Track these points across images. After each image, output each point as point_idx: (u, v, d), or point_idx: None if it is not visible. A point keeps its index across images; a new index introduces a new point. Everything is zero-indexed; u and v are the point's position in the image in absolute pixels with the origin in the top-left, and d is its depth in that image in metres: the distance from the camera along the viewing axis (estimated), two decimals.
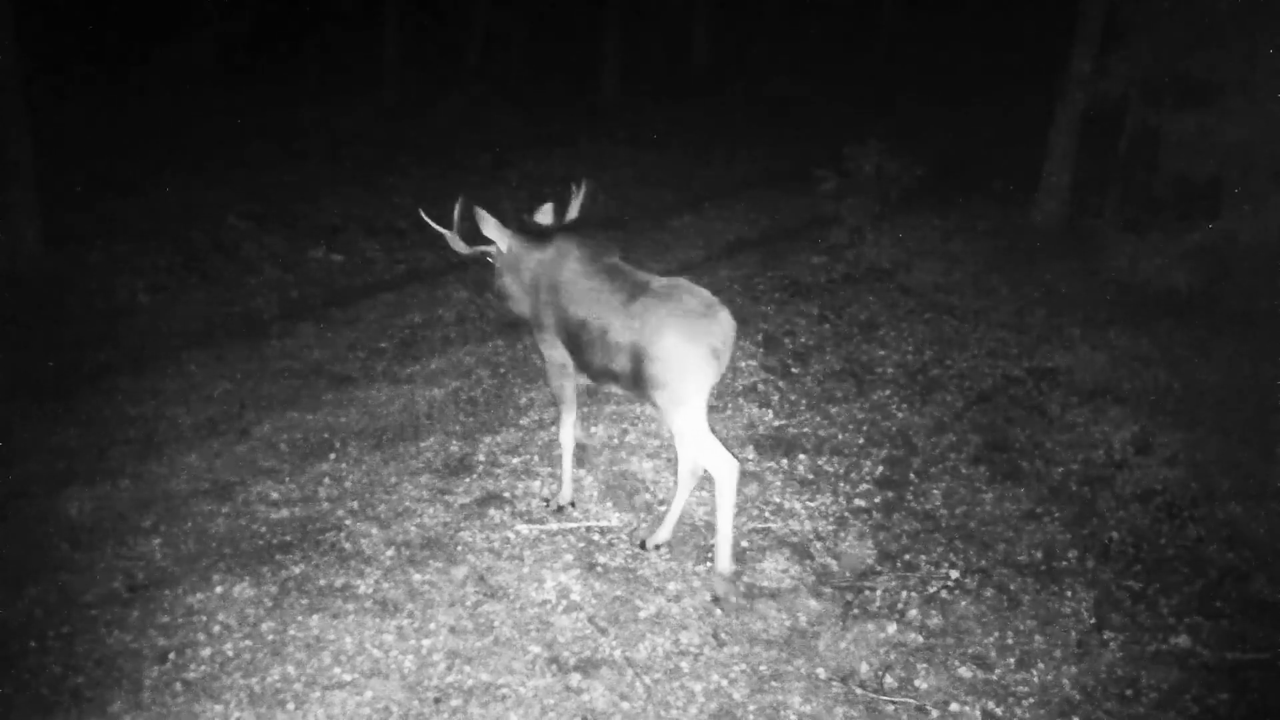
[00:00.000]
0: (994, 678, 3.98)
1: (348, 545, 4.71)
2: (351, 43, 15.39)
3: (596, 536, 4.84)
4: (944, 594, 4.45)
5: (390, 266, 8.75)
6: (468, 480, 5.29)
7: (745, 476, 5.38)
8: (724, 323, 4.36)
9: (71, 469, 5.33)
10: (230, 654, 4.01)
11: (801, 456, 5.59)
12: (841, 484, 5.35)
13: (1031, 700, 3.86)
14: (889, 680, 3.95)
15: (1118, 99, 8.37)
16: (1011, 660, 4.07)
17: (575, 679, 3.90)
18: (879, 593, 4.47)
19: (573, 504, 5.06)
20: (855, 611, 4.34)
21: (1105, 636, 4.19)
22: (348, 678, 3.89)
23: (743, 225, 10.31)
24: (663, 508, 4.94)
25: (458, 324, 7.48)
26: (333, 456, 5.52)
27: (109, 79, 13.23)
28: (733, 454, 4.46)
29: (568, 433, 5.01)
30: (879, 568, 4.65)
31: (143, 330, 7.22)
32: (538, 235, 4.82)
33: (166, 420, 5.90)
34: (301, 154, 11.95)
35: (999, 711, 3.80)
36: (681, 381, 4.28)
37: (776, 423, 5.99)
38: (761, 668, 4.00)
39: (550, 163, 11.82)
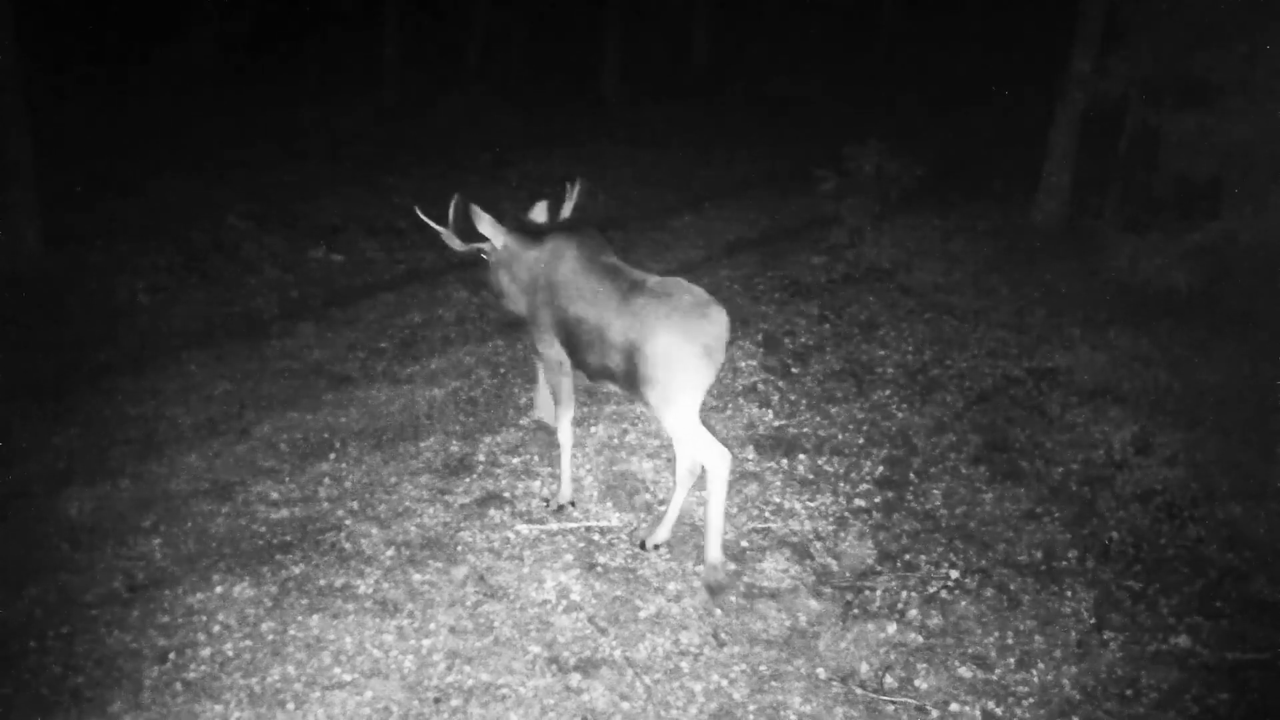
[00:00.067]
0: (994, 678, 3.98)
1: (348, 545, 4.71)
2: (351, 43, 15.38)
3: (596, 536, 4.84)
4: (944, 594, 4.46)
5: (390, 266, 8.75)
6: (468, 480, 5.29)
7: (745, 476, 5.38)
8: (718, 321, 4.36)
9: (71, 469, 5.33)
10: (230, 654, 4.01)
11: (801, 456, 5.60)
12: (841, 484, 5.35)
13: (1031, 700, 3.86)
14: (889, 680, 3.95)
15: (1118, 99, 8.37)
16: (1011, 660, 4.07)
17: (575, 679, 3.90)
18: (879, 593, 4.47)
19: (572, 503, 5.06)
20: (855, 611, 4.34)
21: (1105, 636, 4.19)
22: (348, 678, 3.89)
23: (743, 225, 10.31)
24: (662, 508, 4.94)
25: (458, 324, 7.48)
26: (333, 456, 5.52)
27: (109, 79, 13.22)
28: (732, 453, 4.46)
29: (565, 431, 5.02)
30: (879, 568, 4.65)
31: (143, 330, 7.22)
32: (533, 233, 4.86)
33: (166, 420, 5.90)
34: (301, 154, 11.95)
35: (999, 711, 3.80)
36: (674, 379, 4.28)
37: (776, 423, 5.99)
38: (761, 668, 4.00)
39: (550, 163, 11.82)
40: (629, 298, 4.38)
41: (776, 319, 7.60)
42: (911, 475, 5.43)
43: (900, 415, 6.09)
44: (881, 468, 5.50)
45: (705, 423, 4.67)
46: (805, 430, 5.90)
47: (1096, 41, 9.03)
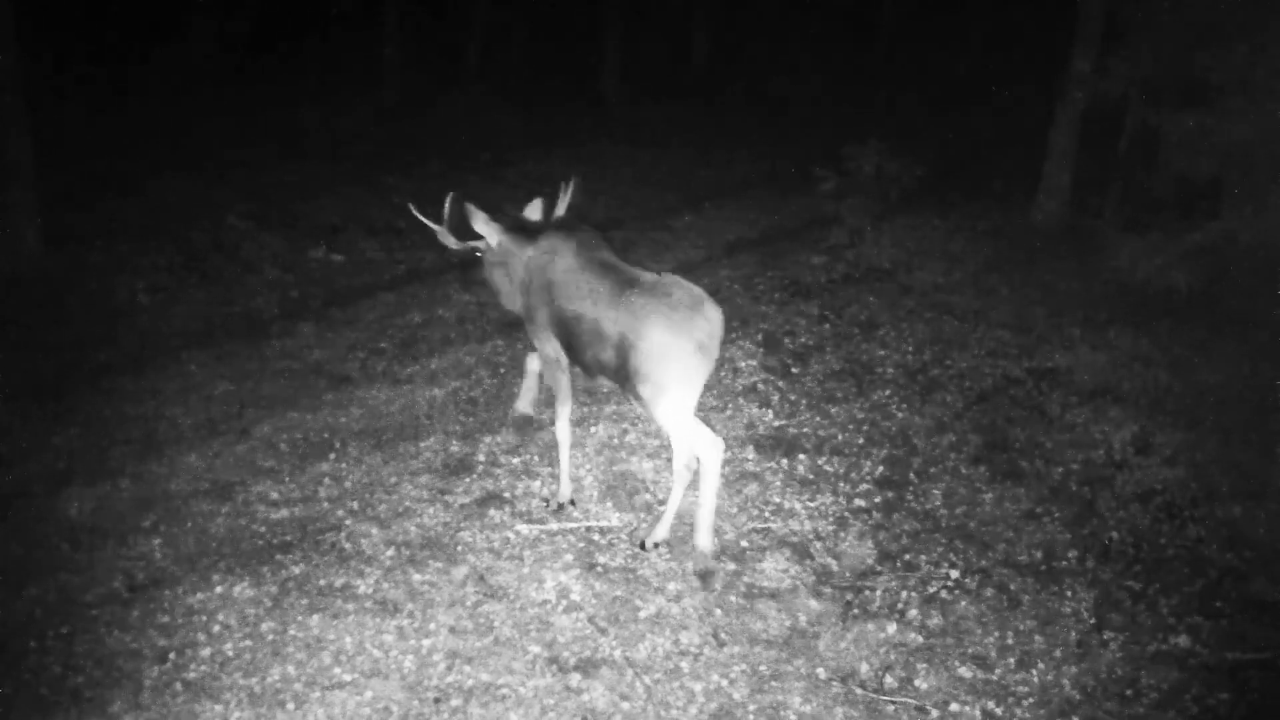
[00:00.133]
0: (994, 678, 3.98)
1: (348, 545, 4.71)
2: (351, 43, 15.38)
3: (596, 536, 4.84)
4: (944, 594, 4.46)
5: (390, 266, 8.75)
6: (468, 480, 5.29)
7: (745, 476, 5.39)
8: (711, 317, 4.37)
9: (71, 469, 5.33)
10: (230, 654, 4.01)
11: (801, 456, 5.60)
12: (841, 484, 5.35)
13: (1031, 700, 3.86)
14: (889, 680, 3.95)
15: (1118, 99, 8.37)
16: (1011, 660, 4.07)
17: (575, 679, 3.90)
18: (879, 593, 4.47)
19: (572, 502, 5.06)
20: (855, 611, 4.34)
21: (1105, 636, 4.19)
22: (348, 678, 3.89)
23: (743, 225, 10.31)
24: (662, 507, 4.94)
25: (458, 324, 7.48)
26: (333, 456, 5.52)
27: (109, 79, 13.21)
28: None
29: (564, 428, 5.03)
30: (879, 568, 4.65)
31: (143, 330, 7.22)
32: (529, 231, 4.90)
33: (166, 420, 5.90)
34: (301, 154, 11.95)
35: (999, 711, 3.80)
36: (666, 374, 4.29)
37: (776, 423, 5.99)
38: (761, 668, 4.00)
39: (550, 162, 11.81)
40: (623, 293, 4.40)
41: (776, 319, 7.60)
42: (911, 475, 5.43)
43: (900, 415, 6.10)
44: (881, 468, 5.50)
45: (705, 422, 4.66)
46: (805, 430, 5.90)
47: (1096, 41, 9.04)
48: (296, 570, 4.51)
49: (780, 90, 15.93)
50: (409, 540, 4.76)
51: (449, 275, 8.35)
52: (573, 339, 4.64)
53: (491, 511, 5.00)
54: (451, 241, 5.00)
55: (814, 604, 4.39)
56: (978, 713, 3.79)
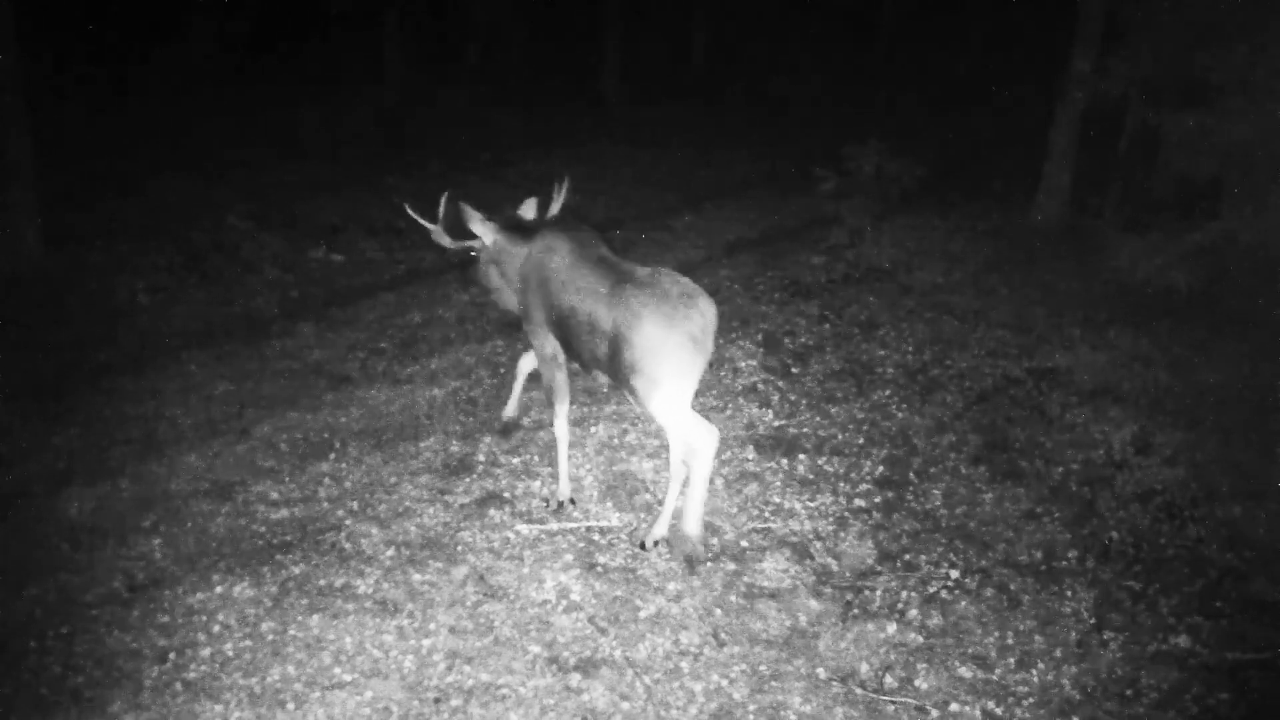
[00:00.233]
0: (994, 678, 3.98)
1: (348, 545, 4.71)
2: (351, 43, 15.39)
3: (596, 536, 4.84)
4: (944, 594, 4.46)
5: (390, 266, 8.76)
6: (468, 480, 5.29)
7: (745, 476, 5.38)
8: (705, 311, 4.38)
9: (71, 469, 5.33)
10: (230, 654, 4.01)
11: (801, 456, 5.59)
12: (841, 484, 5.35)
13: (1031, 700, 3.86)
14: (889, 680, 3.95)
15: (1118, 99, 8.37)
16: (1011, 660, 4.07)
17: (575, 679, 3.90)
18: (879, 593, 4.47)
19: (572, 501, 5.06)
20: (855, 611, 4.34)
21: (1105, 636, 4.19)
22: (348, 678, 3.89)
23: (743, 225, 10.31)
24: (661, 507, 4.94)
25: (458, 324, 7.48)
26: (333, 456, 5.52)
27: (109, 79, 13.22)
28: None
29: (562, 426, 5.03)
30: (879, 568, 4.65)
31: (143, 330, 7.22)
32: (524, 230, 4.94)
33: (166, 420, 5.90)
34: (301, 154, 11.96)
35: (999, 711, 3.80)
36: (659, 367, 4.30)
37: (776, 423, 5.99)
38: (761, 668, 4.00)
39: (550, 162, 11.80)
40: (617, 287, 4.43)
41: (776, 319, 7.60)
42: (911, 475, 5.43)
43: (900, 415, 6.09)
44: (881, 468, 5.50)
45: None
46: (805, 430, 5.90)
47: (1096, 41, 9.04)
48: (296, 570, 4.51)
49: (780, 90, 15.94)
50: (409, 540, 4.76)
51: (449, 275, 8.35)
52: (569, 334, 4.66)
53: (491, 511, 5.00)
54: (446, 241, 5.05)
55: (814, 604, 4.39)
56: (978, 713, 3.79)
